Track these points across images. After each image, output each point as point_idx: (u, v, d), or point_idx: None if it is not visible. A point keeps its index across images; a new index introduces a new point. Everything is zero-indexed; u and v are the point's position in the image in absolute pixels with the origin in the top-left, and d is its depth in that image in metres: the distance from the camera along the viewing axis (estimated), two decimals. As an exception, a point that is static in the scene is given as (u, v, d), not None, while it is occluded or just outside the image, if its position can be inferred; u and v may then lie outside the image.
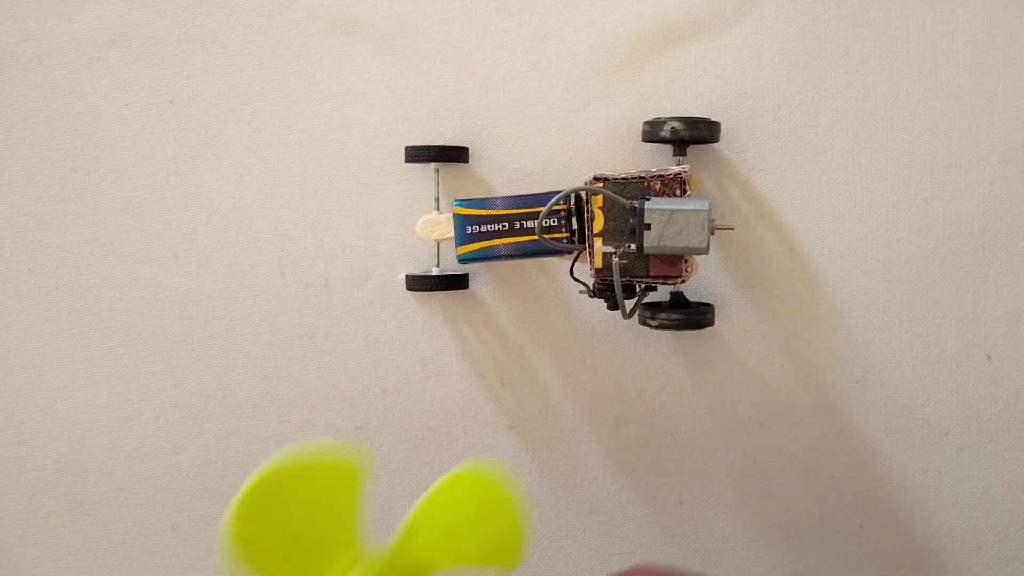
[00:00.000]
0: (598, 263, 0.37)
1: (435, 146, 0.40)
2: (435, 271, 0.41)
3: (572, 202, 0.38)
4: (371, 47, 0.42)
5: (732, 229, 0.39)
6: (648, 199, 0.36)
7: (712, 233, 0.35)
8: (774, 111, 0.40)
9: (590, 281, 0.39)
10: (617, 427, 0.43)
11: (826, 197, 0.41)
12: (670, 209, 0.35)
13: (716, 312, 0.40)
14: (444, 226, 0.40)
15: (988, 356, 0.41)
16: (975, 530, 0.42)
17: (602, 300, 0.39)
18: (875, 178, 0.40)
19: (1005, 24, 0.39)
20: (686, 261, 0.37)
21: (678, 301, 0.39)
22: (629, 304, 0.38)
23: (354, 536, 0.22)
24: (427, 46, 0.41)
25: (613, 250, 0.37)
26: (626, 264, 0.36)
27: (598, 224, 0.37)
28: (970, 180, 0.40)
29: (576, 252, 0.39)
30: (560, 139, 0.41)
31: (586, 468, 0.43)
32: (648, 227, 0.35)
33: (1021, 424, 0.41)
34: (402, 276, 0.42)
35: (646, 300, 0.39)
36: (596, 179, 0.37)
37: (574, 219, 0.38)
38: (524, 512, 0.23)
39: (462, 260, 0.40)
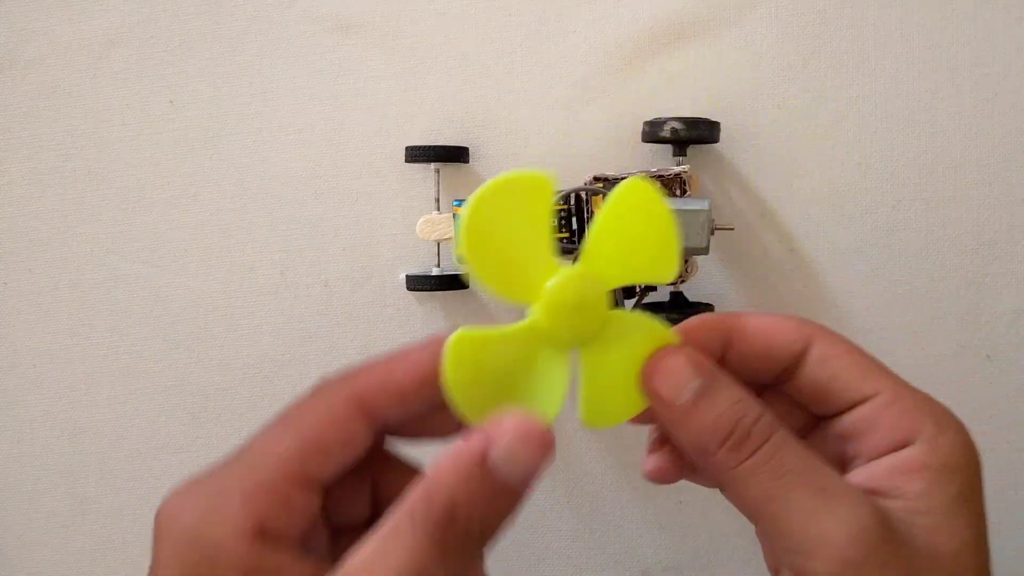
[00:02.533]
0: (598, 263, 0.37)
1: (435, 146, 0.40)
2: (435, 271, 0.41)
3: (572, 202, 0.38)
4: (371, 47, 0.42)
5: (732, 229, 0.39)
6: (648, 199, 0.36)
7: (712, 233, 0.35)
8: (774, 111, 0.40)
9: (590, 281, 0.39)
10: (617, 427, 0.43)
11: (826, 197, 0.41)
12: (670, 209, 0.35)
13: (716, 312, 0.40)
14: (444, 226, 0.40)
15: (988, 356, 0.41)
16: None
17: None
18: (875, 178, 0.40)
19: (1005, 24, 0.39)
20: (686, 261, 0.37)
21: (678, 301, 0.39)
22: (629, 304, 0.38)
23: (551, 250, 0.25)
24: (427, 46, 0.41)
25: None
26: None
27: (598, 224, 0.37)
28: (970, 180, 0.40)
29: (576, 252, 0.39)
30: (560, 139, 0.41)
31: (586, 468, 0.43)
32: None
33: (1021, 424, 0.41)
34: (402, 276, 0.42)
35: (646, 300, 0.39)
36: (596, 179, 0.37)
37: (574, 219, 0.38)
38: (675, 226, 0.25)
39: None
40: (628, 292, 0.37)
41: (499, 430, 0.22)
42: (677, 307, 0.39)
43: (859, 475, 0.26)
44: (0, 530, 0.45)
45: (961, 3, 0.39)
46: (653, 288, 0.38)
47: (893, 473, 0.25)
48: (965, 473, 0.26)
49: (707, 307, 0.40)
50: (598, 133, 0.41)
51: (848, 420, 0.26)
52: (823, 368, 0.26)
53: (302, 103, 0.42)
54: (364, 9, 0.41)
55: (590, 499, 0.43)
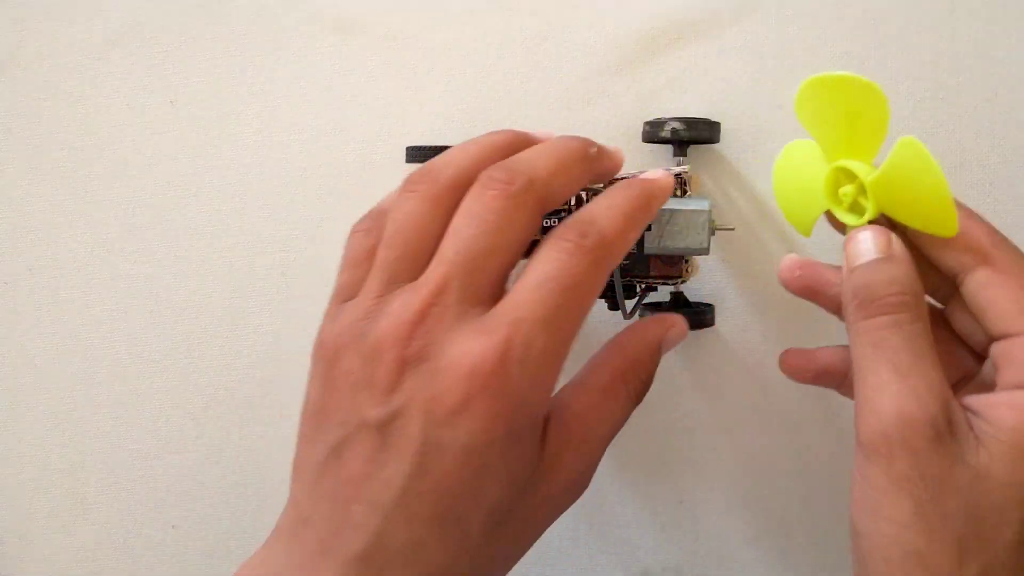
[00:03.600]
0: (598, 263, 0.37)
1: (436, 147, 0.40)
2: (435, 271, 0.41)
3: (572, 202, 0.38)
4: (372, 47, 0.42)
5: (732, 230, 0.39)
6: (648, 199, 0.36)
7: (712, 234, 0.35)
8: (774, 111, 0.40)
9: (590, 281, 0.38)
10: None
11: (826, 197, 0.41)
12: (670, 210, 0.35)
13: (716, 312, 0.40)
14: (444, 226, 0.40)
15: (988, 356, 0.41)
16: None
17: (602, 300, 0.39)
18: (875, 178, 0.40)
19: (1005, 24, 0.39)
20: (686, 261, 0.37)
21: (679, 301, 0.39)
22: (630, 304, 0.38)
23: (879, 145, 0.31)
24: (428, 46, 0.41)
25: (613, 250, 0.37)
26: (626, 264, 0.36)
27: (598, 224, 0.37)
28: (970, 180, 0.40)
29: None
30: (560, 139, 0.41)
31: (586, 468, 0.43)
32: (649, 227, 0.35)
33: (1021, 424, 0.41)
34: (402, 276, 0.42)
35: (646, 300, 0.39)
36: (597, 179, 0.37)
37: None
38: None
39: (463, 260, 0.40)
40: (629, 290, 0.37)
41: (670, 325, 0.33)
42: (677, 307, 0.39)
43: (979, 400, 0.28)
44: (0, 530, 0.45)
45: (961, 3, 0.39)
46: (654, 288, 0.38)
47: (1000, 404, 0.27)
48: None
49: (707, 307, 0.40)
50: (598, 133, 0.41)
51: (997, 348, 0.29)
52: (982, 293, 0.29)
53: (303, 103, 0.42)
54: (365, 9, 0.41)
55: (590, 499, 0.43)
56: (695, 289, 0.41)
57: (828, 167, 0.32)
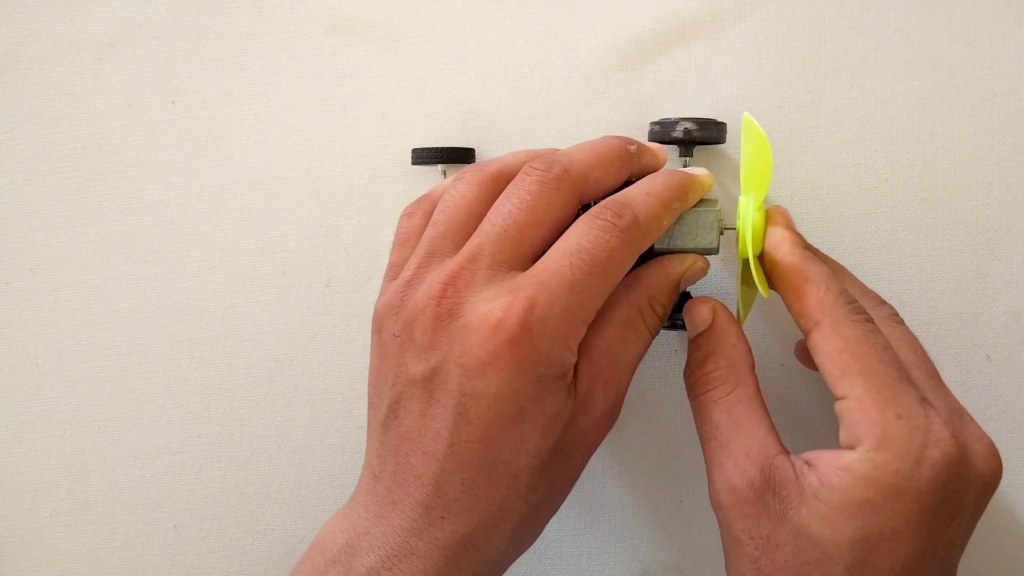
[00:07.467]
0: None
1: (443, 148, 0.40)
2: (437, 271, 0.41)
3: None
4: (373, 48, 0.42)
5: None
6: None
7: (721, 233, 0.35)
8: (774, 112, 0.41)
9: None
10: (617, 427, 0.43)
11: (826, 197, 0.41)
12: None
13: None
14: (446, 226, 0.40)
15: (988, 356, 0.41)
16: (974, 531, 0.42)
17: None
18: (875, 178, 0.41)
19: (1005, 25, 0.40)
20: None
21: (684, 298, 0.39)
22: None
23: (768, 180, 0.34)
24: (429, 47, 0.41)
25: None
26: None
27: (601, 224, 0.37)
28: (970, 180, 0.40)
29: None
30: (563, 140, 0.41)
31: (586, 468, 0.43)
32: None
33: (1021, 424, 0.41)
34: (404, 276, 0.42)
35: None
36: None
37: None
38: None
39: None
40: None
41: (690, 263, 0.34)
42: (684, 305, 0.39)
43: (817, 455, 0.30)
44: (0, 530, 0.45)
45: (961, 4, 0.40)
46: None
47: (829, 463, 0.29)
48: (887, 491, 0.28)
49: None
50: (600, 134, 0.41)
51: (835, 407, 0.30)
52: (815, 356, 0.31)
53: (304, 104, 0.42)
54: (367, 10, 0.41)
55: (590, 499, 0.43)
56: (701, 289, 0.41)
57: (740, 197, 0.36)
